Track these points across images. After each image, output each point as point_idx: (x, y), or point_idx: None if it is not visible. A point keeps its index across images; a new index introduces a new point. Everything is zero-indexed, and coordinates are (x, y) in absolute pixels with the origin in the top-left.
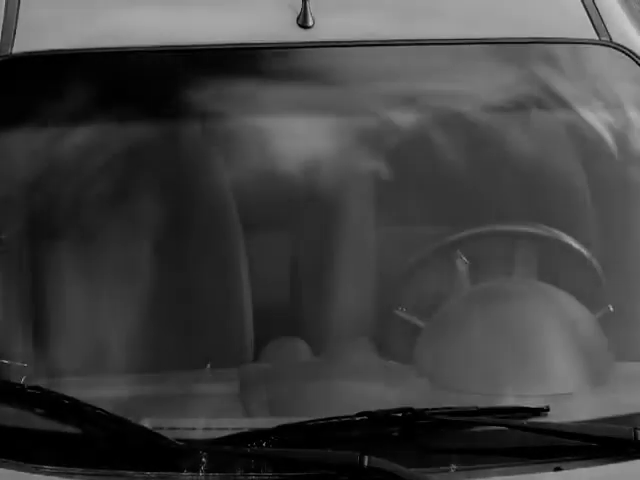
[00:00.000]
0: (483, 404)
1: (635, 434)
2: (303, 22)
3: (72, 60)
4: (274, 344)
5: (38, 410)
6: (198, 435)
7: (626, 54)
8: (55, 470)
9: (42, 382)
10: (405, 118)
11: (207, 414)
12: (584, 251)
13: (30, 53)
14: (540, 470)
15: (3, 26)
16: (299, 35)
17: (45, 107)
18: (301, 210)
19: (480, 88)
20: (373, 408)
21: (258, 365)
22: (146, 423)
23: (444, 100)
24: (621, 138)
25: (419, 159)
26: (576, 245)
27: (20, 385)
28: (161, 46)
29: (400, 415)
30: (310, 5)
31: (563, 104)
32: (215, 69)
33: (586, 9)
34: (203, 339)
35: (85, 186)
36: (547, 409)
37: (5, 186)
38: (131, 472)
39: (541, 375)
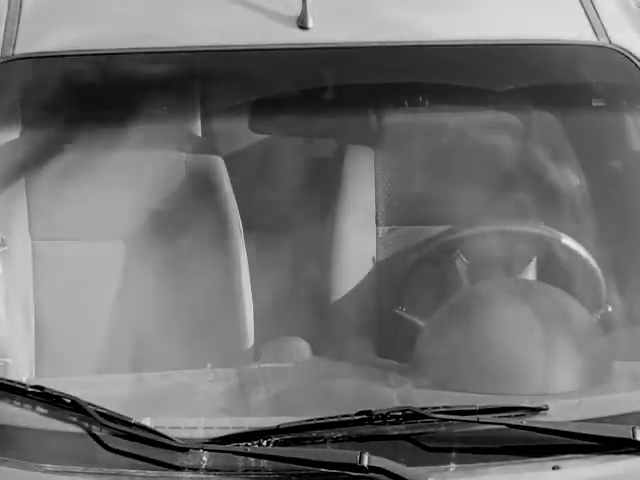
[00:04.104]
0: (482, 403)
1: (633, 433)
2: (303, 23)
3: (74, 61)
4: (274, 344)
5: (40, 409)
6: (199, 434)
7: (625, 56)
8: (57, 469)
9: (44, 381)
10: (404, 119)
11: (208, 413)
12: (583, 251)
13: (32, 54)
14: (539, 469)
15: (5, 27)
16: (299, 36)
17: (47, 107)
18: (301, 210)
19: (479, 89)
20: (373, 408)
21: (258, 365)
22: (147, 422)
23: (443, 101)
24: (620, 139)
25: (418, 159)
26: (575, 245)
27: (22, 384)
28: (161, 47)
29: (400, 415)
30: (309, 6)
31: (562, 106)
32: (215, 70)
33: (585, 11)
34: (203, 339)
35: (85, 185)
36: (546, 408)
37: (6, 184)
38: (132, 470)
39: (540, 374)
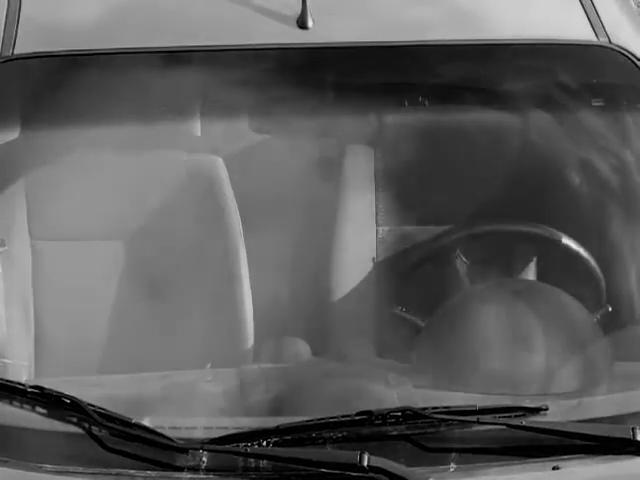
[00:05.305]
0: (482, 403)
1: (633, 433)
2: (302, 23)
3: (73, 60)
4: (274, 344)
5: (39, 409)
6: (199, 434)
7: (625, 56)
8: (56, 469)
9: (43, 381)
10: (404, 119)
11: (207, 413)
12: (583, 251)
13: (32, 54)
14: (539, 469)
15: (5, 27)
16: (298, 36)
17: (46, 107)
18: (301, 210)
19: (479, 89)
20: (373, 408)
21: (258, 365)
22: (147, 422)
23: (442, 101)
24: (619, 138)
25: (418, 159)
26: (575, 245)
27: (21, 384)
28: (161, 47)
29: (400, 415)
30: (309, 6)
31: (562, 105)
32: (215, 70)
33: (585, 11)
34: (203, 339)
35: (85, 185)
36: (546, 408)
37: (6, 184)
38: (132, 471)
39: (540, 375)
